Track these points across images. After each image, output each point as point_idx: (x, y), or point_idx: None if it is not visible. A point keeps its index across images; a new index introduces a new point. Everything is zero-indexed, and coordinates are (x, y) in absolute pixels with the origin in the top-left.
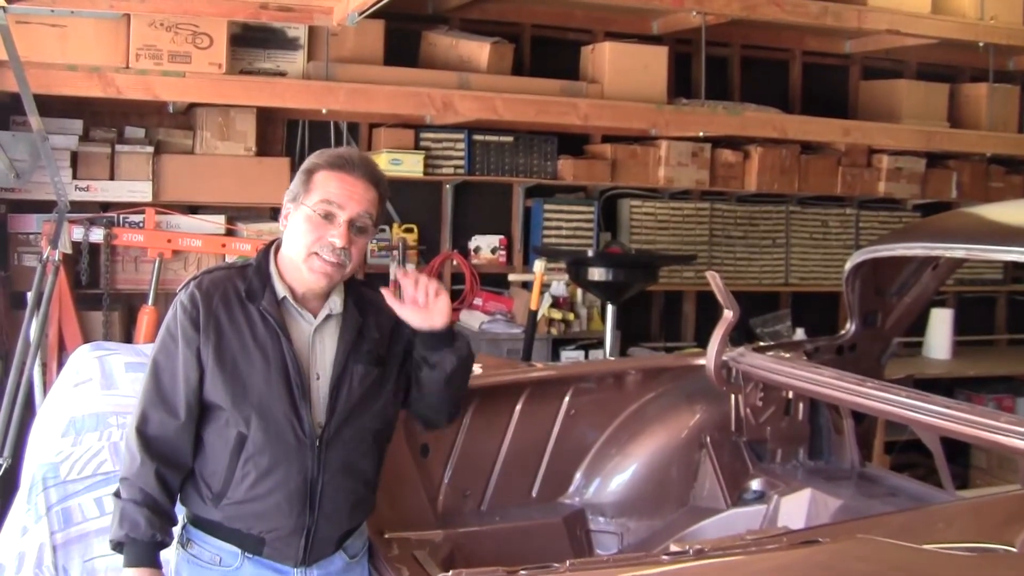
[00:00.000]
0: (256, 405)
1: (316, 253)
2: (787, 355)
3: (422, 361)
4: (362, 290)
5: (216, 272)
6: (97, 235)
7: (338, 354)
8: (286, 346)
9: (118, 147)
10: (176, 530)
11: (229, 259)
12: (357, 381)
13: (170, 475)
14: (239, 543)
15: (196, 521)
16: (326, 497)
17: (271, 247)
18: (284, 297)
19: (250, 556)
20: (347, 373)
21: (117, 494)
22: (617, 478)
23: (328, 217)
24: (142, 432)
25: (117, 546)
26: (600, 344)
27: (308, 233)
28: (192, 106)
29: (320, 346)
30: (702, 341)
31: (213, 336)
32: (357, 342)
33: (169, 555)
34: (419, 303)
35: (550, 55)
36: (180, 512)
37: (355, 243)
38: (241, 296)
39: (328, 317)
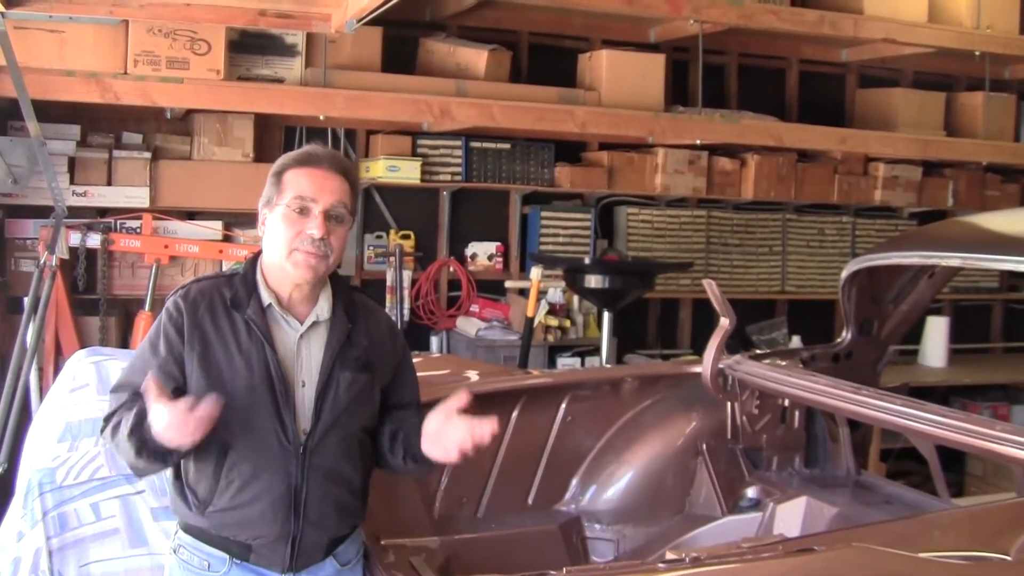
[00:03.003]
0: (240, 413)
1: (297, 248)
2: (783, 363)
3: (405, 450)
4: (354, 295)
5: (204, 281)
6: (94, 240)
7: (324, 360)
8: (270, 354)
9: (115, 153)
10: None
11: (226, 265)
12: (344, 388)
13: None
14: (226, 549)
15: (186, 528)
16: (311, 504)
17: (258, 256)
18: (270, 304)
19: (237, 562)
20: (333, 380)
21: (110, 427)
22: (613, 485)
23: (303, 212)
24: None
25: (140, 442)
26: (596, 351)
27: (286, 230)
28: (190, 112)
29: (307, 352)
30: (698, 349)
31: (198, 345)
32: (344, 348)
33: (165, 560)
34: (461, 449)
35: (547, 63)
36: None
37: (334, 233)
38: (227, 304)
39: (315, 323)
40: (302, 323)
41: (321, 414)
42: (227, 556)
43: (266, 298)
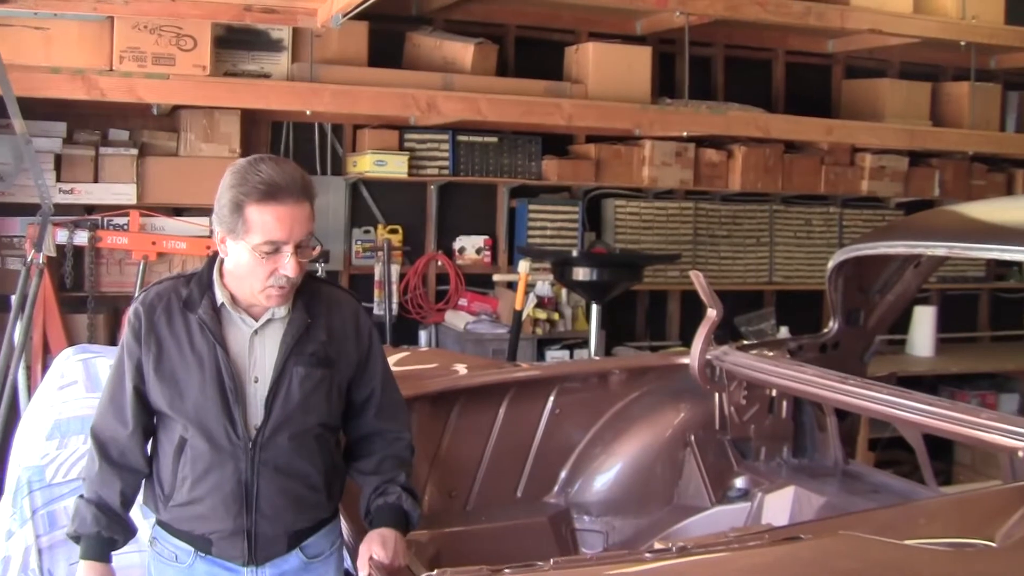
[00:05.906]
0: (192, 411)
1: (271, 286)
2: (771, 353)
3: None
4: (321, 288)
5: (164, 283)
6: (81, 238)
7: (278, 357)
8: (220, 353)
9: (102, 150)
10: (148, 530)
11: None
12: (297, 383)
13: (124, 477)
14: (190, 542)
15: (158, 521)
16: (263, 498)
17: (217, 256)
18: (223, 303)
19: (201, 555)
20: (286, 375)
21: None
22: (602, 477)
23: (274, 252)
24: (97, 436)
25: (75, 539)
26: (585, 344)
27: (257, 269)
28: (176, 108)
29: (261, 349)
30: (687, 340)
31: (154, 347)
32: (300, 344)
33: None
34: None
35: (534, 56)
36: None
37: (302, 256)
38: (182, 305)
39: (271, 320)
40: (256, 320)
41: (272, 410)
42: (192, 549)
43: (220, 297)
